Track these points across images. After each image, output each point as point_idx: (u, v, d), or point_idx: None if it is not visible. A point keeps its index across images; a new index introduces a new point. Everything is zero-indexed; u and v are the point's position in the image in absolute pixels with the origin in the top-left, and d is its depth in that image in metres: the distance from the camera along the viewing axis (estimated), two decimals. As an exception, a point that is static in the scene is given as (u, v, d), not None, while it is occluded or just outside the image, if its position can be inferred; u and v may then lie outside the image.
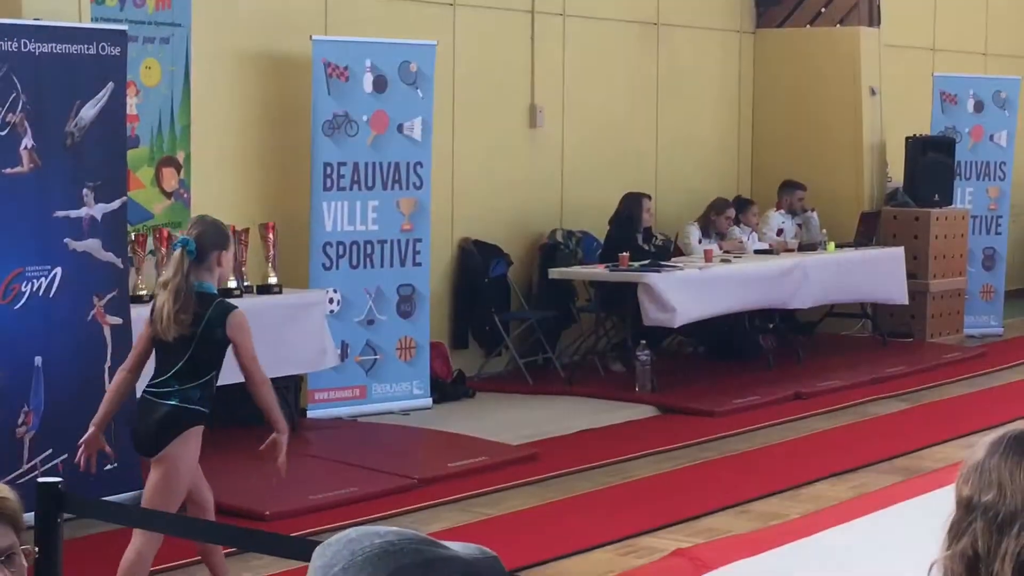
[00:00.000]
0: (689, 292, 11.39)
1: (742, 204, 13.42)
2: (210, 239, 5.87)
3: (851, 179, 14.45)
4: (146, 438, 6.00)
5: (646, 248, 12.23)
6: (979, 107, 15.10)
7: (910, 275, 13.66)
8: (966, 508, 2.47)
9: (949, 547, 2.48)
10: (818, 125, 14.52)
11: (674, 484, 8.77)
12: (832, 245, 13.30)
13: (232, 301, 6.00)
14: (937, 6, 16.85)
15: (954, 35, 17.11)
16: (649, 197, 12.47)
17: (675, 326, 11.48)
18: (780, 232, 13.56)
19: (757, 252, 12.95)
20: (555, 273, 11.80)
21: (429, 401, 10.77)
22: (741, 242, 12.98)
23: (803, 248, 13.21)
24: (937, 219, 14.15)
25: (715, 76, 14.54)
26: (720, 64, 14.59)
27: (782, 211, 13.76)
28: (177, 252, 5.83)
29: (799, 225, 13.76)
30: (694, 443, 9.83)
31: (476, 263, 11.83)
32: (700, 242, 12.70)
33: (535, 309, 12.21)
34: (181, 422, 5.91)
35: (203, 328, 5.84)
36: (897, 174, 14.78)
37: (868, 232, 13.81)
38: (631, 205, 12.23)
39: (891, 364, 12.71)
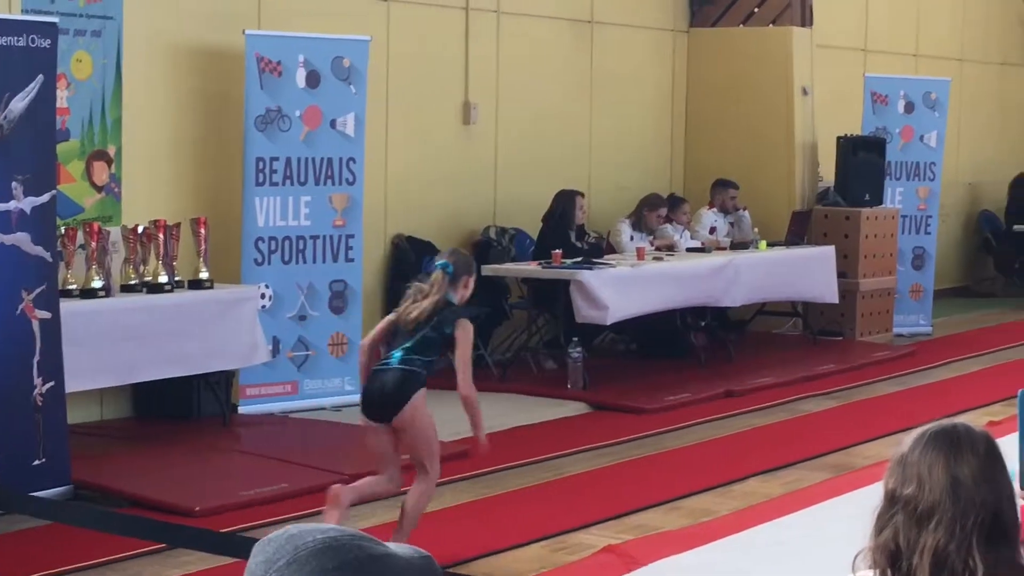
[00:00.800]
0: (621, 290, 11.42)
1: (675, 202, 13.47)
2: (463, 267, 7.13)
3: (783, 178, 14.54)
4: (386, 399, 6.89)
5: (579, 246, 12.26)
6: (910, 108, 15.23)
7: (840, 274, 13.75)
8: (890, 500, 2.51)
9: (873, 538, 2.52)
10: (751, 124, 14.60)
11: (605, 481, 8.79)
12: (764, 244, 13.37)
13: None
14: (869, 7, 16.99)
15: (886, 36, 17.27)
16: (582, 195, 12.49)
17: (607, 323, 11.51)
18: (712, 230, 13.63)
19: (689, 250, 13.00)
20: (488, 270, 11.78)
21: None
22: (674, 240, 13.03)
23: (735, 246, 13.28)
24: (867, 218, 14.26)
25: (648, 74, 14.59)
26: (653, 62, 14.64)
27: (714, 209, 13.83)
28: (438, 273, 7.01)
29: (731, 223, 13.83)
30: (626, 440, 9.86)
31: (409, 259, 11.81)
32: (632, 239, 12.74)
33: (468, 306, 12.18)
34: (414, 383, 6.89)
35: (436, 322, 6.93)
36: (828, 173, 14.89)
37: (799, 231, 13.88)
38: (564, 203, 12.26)
39: (821, 362, 12.80)
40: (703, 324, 13.10)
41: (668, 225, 13.14)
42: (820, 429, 10.39)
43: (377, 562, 1.65)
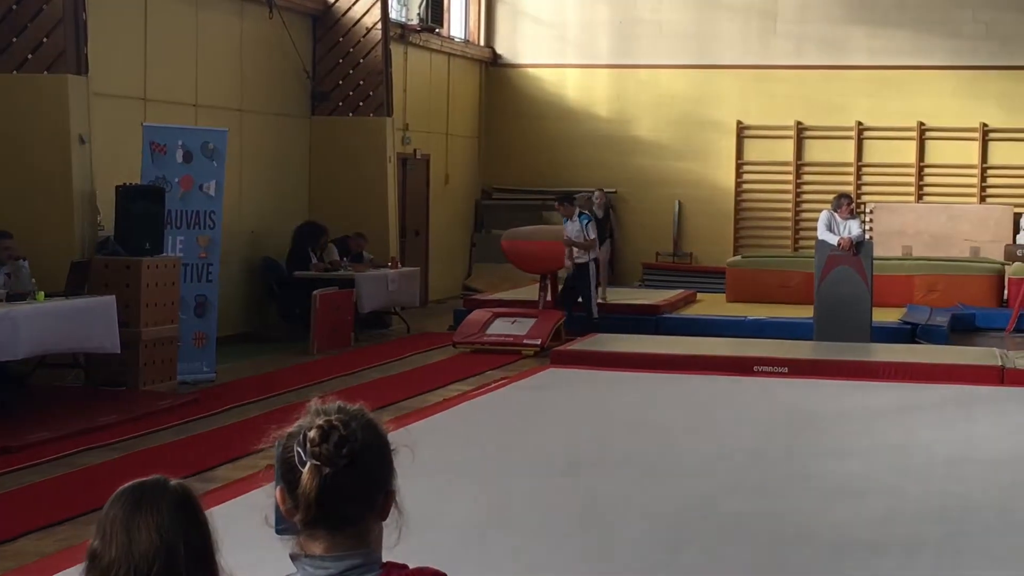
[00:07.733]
0: None
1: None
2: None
3: (61, 228, 14.29)
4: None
5: None
6: (188, 157, 15.37)
7: (122, 324, 13.63)
8: (88, 556, 2.51)
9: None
10: (27, 173, 14.26)
11: None
12: (42, 295, 13.06)
13: None
14: (148, 57, 17.06)
15: (165, 86, 17.40)
16: None
17: None
18: (-13, 281, 13.21)
19: (-37, 303, 12.53)
20: None
21: None
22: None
23: (12, 298, 12.89)
24: (148, 267, 14.24)
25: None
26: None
27: (-10, 260, 13.41)
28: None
29: (8, 274, 13.44)
30: None
31: None
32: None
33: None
34: None
35: None
36: (109, 223, 14.78)
37: (79, 281, 13.67)
38: None
39: (104, 413, 12.65)
40: (-21, 379, 12.66)
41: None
42: (99, 482, 10.21)
43: None
